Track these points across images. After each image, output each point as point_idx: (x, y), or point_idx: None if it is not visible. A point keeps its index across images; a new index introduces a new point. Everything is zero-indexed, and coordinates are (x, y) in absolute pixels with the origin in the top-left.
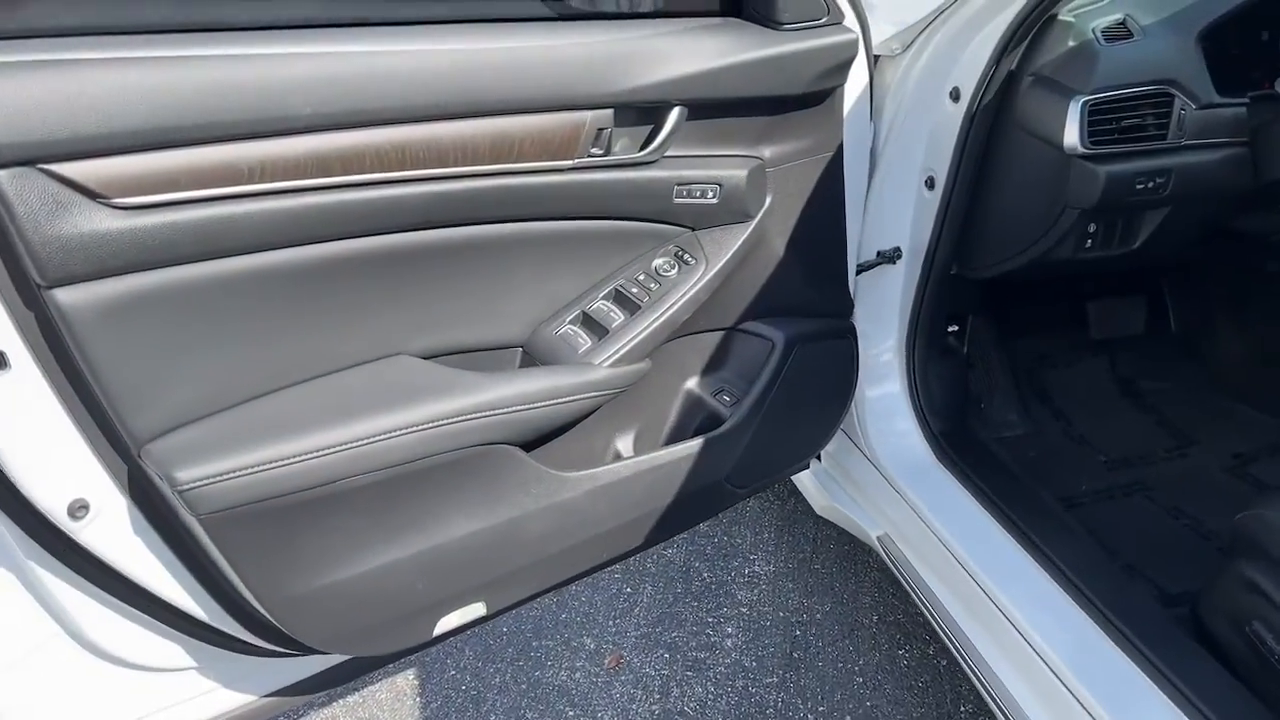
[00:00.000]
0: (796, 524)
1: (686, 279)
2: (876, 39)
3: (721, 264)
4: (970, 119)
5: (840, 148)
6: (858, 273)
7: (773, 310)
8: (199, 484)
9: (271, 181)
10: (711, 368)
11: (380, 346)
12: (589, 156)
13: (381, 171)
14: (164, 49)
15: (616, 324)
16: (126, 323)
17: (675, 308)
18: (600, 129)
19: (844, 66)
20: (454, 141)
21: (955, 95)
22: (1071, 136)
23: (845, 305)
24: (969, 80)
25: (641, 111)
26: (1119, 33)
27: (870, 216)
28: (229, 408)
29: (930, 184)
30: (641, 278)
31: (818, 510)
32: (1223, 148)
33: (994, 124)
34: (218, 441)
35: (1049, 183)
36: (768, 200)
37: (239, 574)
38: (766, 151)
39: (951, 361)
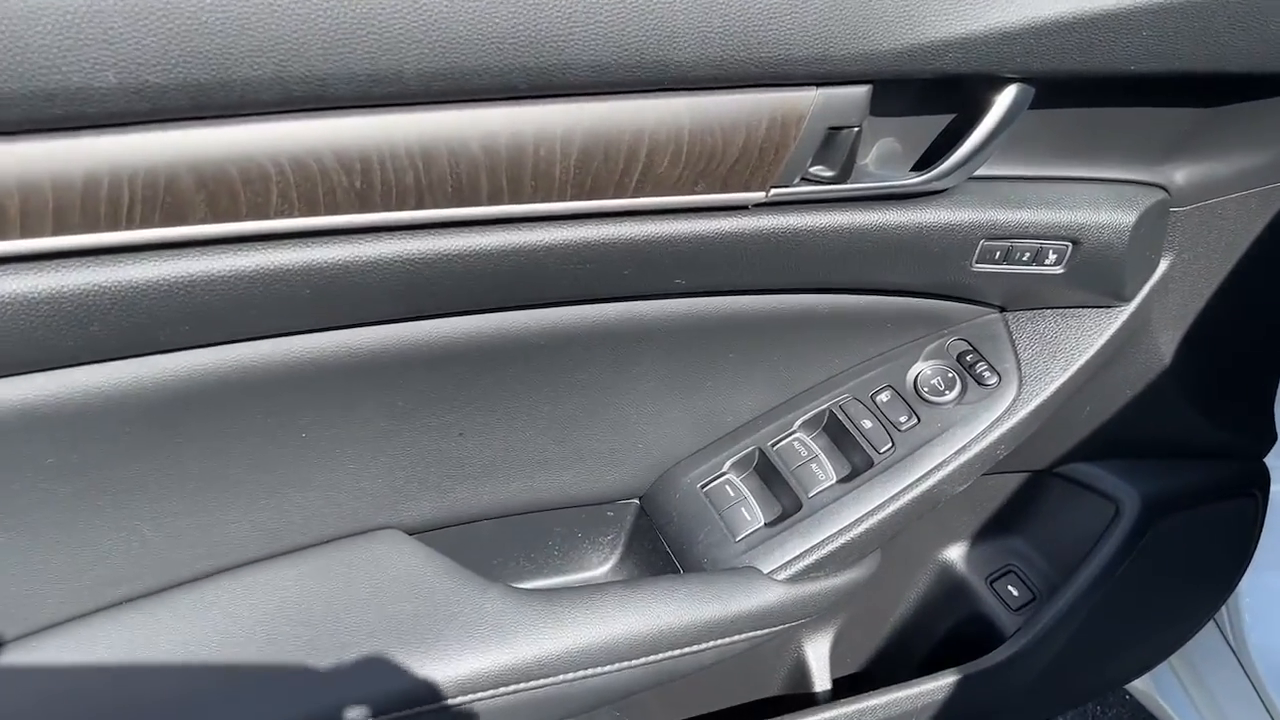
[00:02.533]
0: None
1: (979, 412)
2: None
3: (1054, 390)
4: None
5: None
6: None
7: (1121, 444)
8: None
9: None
10: (996, 531)
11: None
12: (806, 181)
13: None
14: None
15: (820, 488)
16: None
17: (947, 470)
18: (835, 128)
19: None
20: (534, 141)
21: None
22: None
23: (1258, 438)
24: None
25: (925, 91)
26: None
27: None
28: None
29: None
30: (886, 399)
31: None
32: None
33: None
34: None
35: None
36: (1162, 267)
37: None
38: (1178, 175)
39: None
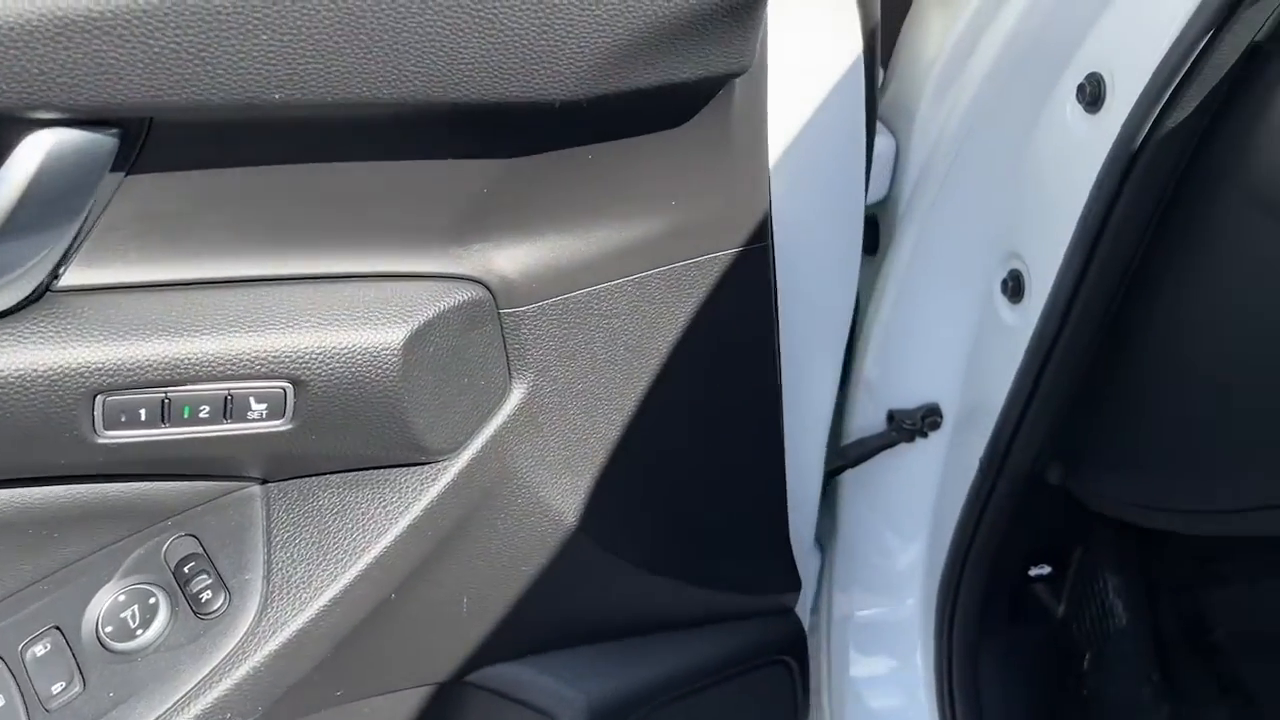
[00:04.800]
0: None
1: (183, 661)
2: None
3: (324, 602)
4: (1127, 156)
5: (761, 229)
6: (832, 472)
7: (559, 632)
8: None
9: None
10: None
11: None
12: None
13: None
14: None
15: None
16: None
17: None
18: None
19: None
20: None
21: (1092, 95)
22: None
23: (779, 585)
24: (1129, 63)
25: None
26: None
27: (873, 344)
28: None
29: (1015, 289)
30: (41, 654)
31: None
32: None
33: (1189, 175)
34: None
35: None
36: (514, 396)
37: None
38: (500, 261)
39: (1034, 634)
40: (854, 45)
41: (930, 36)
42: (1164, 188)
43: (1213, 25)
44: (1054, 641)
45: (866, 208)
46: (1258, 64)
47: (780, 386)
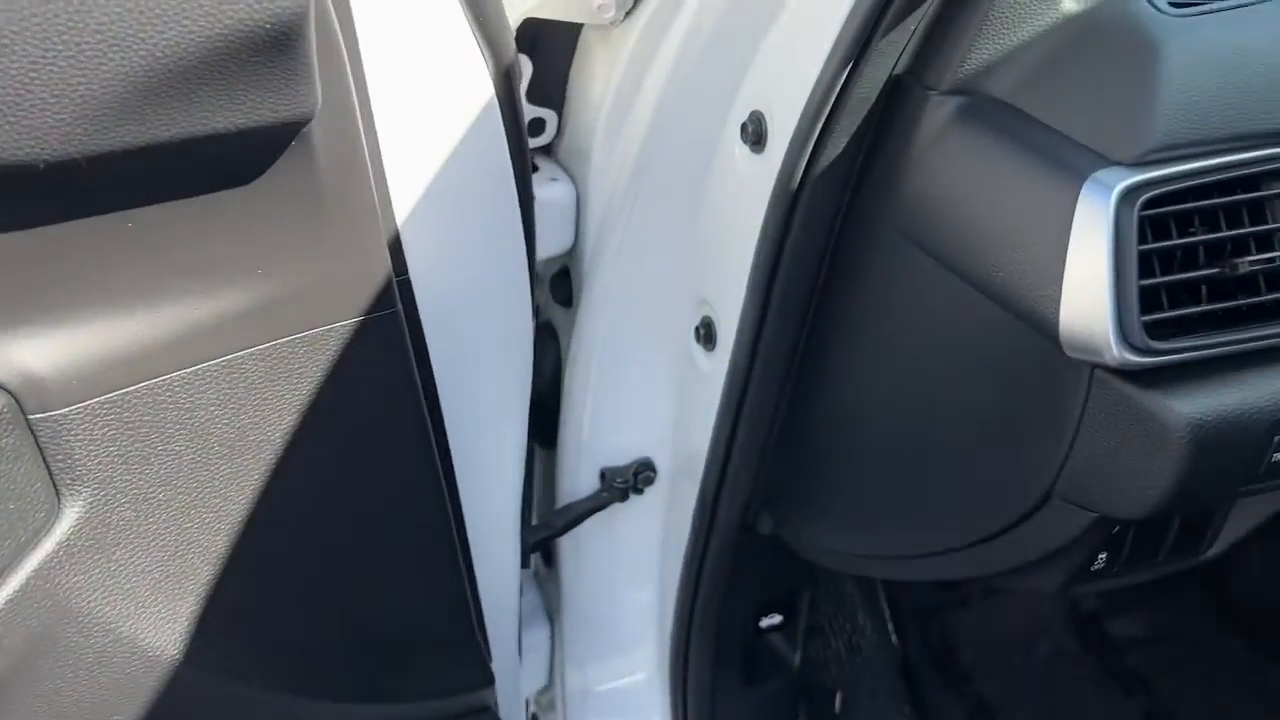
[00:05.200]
0: None
1: None
2: None
3: None
4: (788, 195)
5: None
6: (537, 543)
7: None
8: None
9: None
10: None
11: None
12: None
13: None
14: None
15: None
16: None
17: None
18: None
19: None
20: None
21: (755, 134)
22: (1091, 304)
23: (466, 681)
24: (784, 100)
25: None
26: None
27: (580, 401)
28: None
29: (708, 336)
30: None
31: None
32: None
33: (850, 212)
34: None
35: (1009, 411)
36: (65, 519)
37: None
38: (23, 355)
39: (774, 687)
40: (481, 88)
41: (595, 78)
42: (829, 226)
43: (850, 59)
44: (798, 690)
45: (557, 258)
46: (899, 97)
47: (443, 464)
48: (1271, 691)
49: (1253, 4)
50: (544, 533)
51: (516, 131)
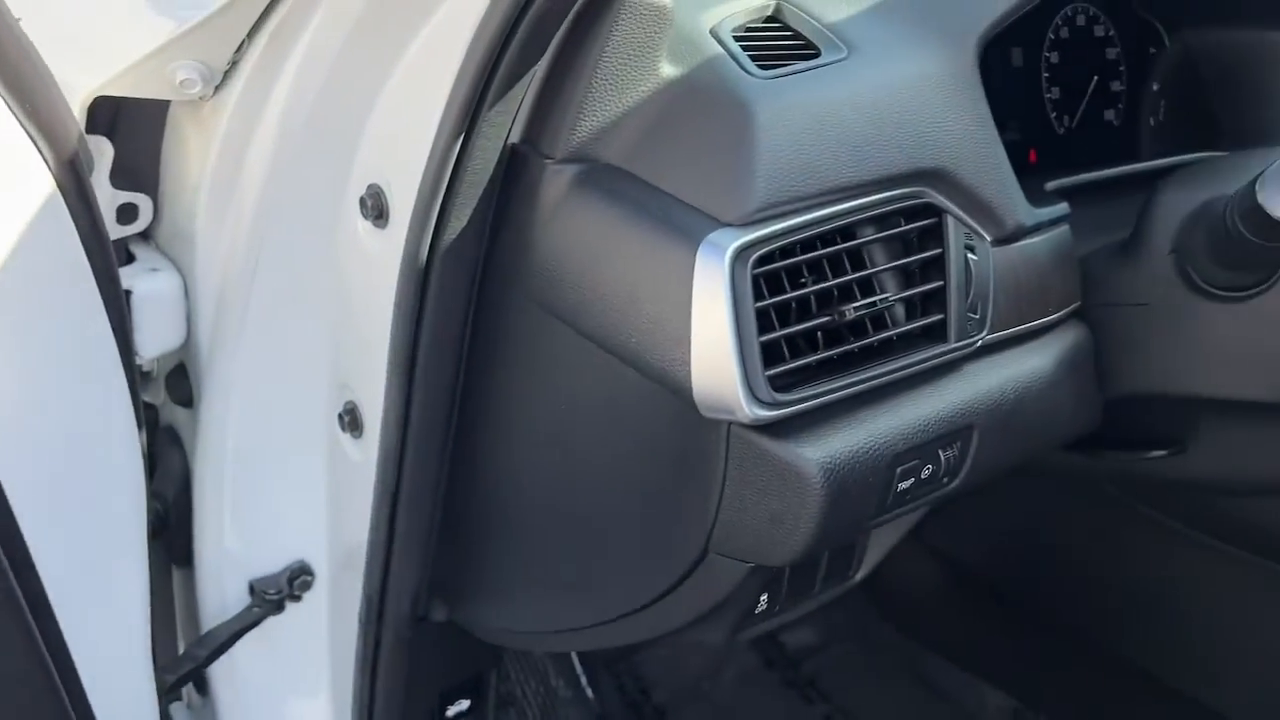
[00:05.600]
0: None
1: None
2: (125, 57)
3: None
4: (417, 271)
5: None
6: (183, 675)
7: None
8: None
9: None
10: None
11: None
12: None
13: None
14: None
15: None
16: None
17: None
18: None
19: None
20: None
21: (376, 208)
22: (718, 364)
23: None
24: (401, 172)
25: None
26: (789, 46)
27: (217, 510)
28: None
29: (354, 423)
30: None
31: None
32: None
33: (487, 283)
34: None
35: (658, 472)
36: None
37: None
38: None
39: None
40: (40, 183)
41: (190, 157)
42: (465, 299)
43: (460, 129)
44: None
45: (170, 354)
46: (518, 166)
47: (37, 618)
48: (928, 678)
49: (834, 63)
50: (187, 665)
51: (91, 223)
